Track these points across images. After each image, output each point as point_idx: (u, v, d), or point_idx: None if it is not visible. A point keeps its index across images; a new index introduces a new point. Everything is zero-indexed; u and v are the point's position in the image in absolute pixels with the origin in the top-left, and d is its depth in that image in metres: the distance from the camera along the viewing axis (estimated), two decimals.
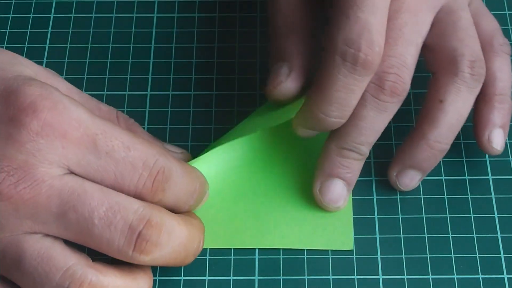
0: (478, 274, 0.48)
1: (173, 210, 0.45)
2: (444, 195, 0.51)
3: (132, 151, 0.43)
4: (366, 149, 0.48)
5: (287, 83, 0.50)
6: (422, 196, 0.51)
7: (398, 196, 0.51)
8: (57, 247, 0.43)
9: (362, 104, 0.47)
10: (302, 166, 0.52)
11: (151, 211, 0.43)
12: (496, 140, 0.50)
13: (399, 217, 0.51)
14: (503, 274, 0.48)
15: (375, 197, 0.51)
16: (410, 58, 0.47)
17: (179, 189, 0.45)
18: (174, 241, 0.44)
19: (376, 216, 0.50)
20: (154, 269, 0.49)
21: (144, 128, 0.53)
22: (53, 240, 0.43)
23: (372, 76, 0.46)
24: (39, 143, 0.42)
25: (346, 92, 0.46)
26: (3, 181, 0.41)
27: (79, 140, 0.42)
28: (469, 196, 0.51)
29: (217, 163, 0.51)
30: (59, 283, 0.42)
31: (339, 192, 0.49)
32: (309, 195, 0.51)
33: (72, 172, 0.43)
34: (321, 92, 0.46)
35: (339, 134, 0.48)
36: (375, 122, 0.47)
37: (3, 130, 0.42)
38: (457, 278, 0.48)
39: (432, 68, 0.50)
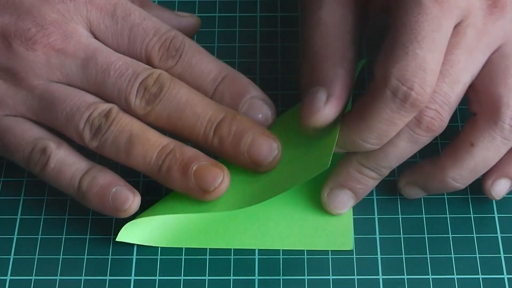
0: (478, 274, 0.48)
1: (192, 86, 0.49)
2: (444, 195, 0.51)
3: (147, 21, 0.50)
4: (386, 172, 0.49)
5: (325, 110, 0.47)
6: (422, 196, 0.51)
7: (398, 196, 0.51)
8: (80, 91, 0.49)
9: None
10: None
11: (159, 71, 0.48)
12: (498, 189, 0.49)
13: (399, 217, 0.51)
14: (503, 274, 0.48)
15: (375, 197, 0.51)
16: (454, 97, 0.46)
17: (191, 64, 0.49)
18: (171, 101, 0.48)
19: (376, 216, 0.50)
20: (154, 269, 0.49)
21: None
22: (76, 88, 0.49)
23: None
24: (68, 5, 0.49)
25: (389, 125, 0.45)
26: (38, 33, 0.48)
27: (101, 6, 0.50)
28: (469, 196, 0.51)
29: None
30: (87, 114, 0.48)
31: (345, 202, 0.50)
32: (309, 195, 0.51)
33: (94, 36, 0.50)
34: (363, 120, 0.45)
35: (365, 153, 0.48)
36: (404, 151, 0.47)
37: None
38: (457, 278, 0.48)
39: (473, 109, 0.48)
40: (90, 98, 0.48)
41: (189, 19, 0.55)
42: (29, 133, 0.49)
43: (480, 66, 0.47)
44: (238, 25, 0.59)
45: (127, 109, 0.48)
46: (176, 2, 0.60)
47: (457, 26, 0.46)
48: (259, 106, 0.49)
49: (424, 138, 0.47)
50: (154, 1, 0.60)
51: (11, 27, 0.49)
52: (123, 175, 0.49)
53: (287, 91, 0.56)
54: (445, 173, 0.48)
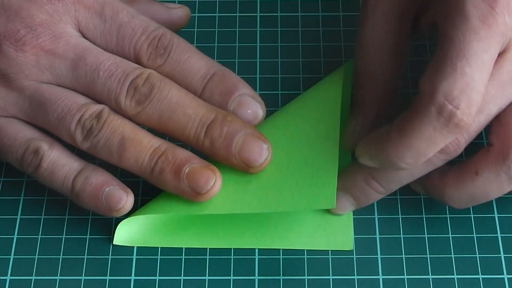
0: (478, 274, 0.48)
1: (181, 85, 0.49)
2: None
3: (135, 19, 0.50)
4: (395, 188, 0.48)
5: (355, 132, 0.50)
6: (422, 196, 0.51)
7: (398, 197, 0.51)
8: (71, 92, 0.49)
9: None
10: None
11: (149, 71, 0.48)
12: None
13: (399, 217, 0.51)
14: (503, 274, 0.48)
15: None
16: (476, 127, 0.46)
17: (179, 62, 0.49)
18: (162, 101, 0.48)
19: (376, 216, 0.50)
20: (154, 269, 0.49)
21: None
22: (66, 89, 0.49)
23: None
24: (56, 6, 0.49)
25: (428, 145, 0.44)
26: (27, 34, 0.48)
27: (89, 5, 0.50)
28: None
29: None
30: (78, 116, 0.48)
31: (346, 206, 0.50)
32: None
33: (82, 36, 0.49)
34: (402, 137, 0.44)
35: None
36: (416, 170, 0.47)
37: None
38: (457, 278, 0.48)
39: (490, 138, 0.47)
40: (81, 99, 0.48)
41: (178, 11, 0.55)
42: (21, 133, 0.49)
43: (510, 100, 0.46)
44: (238, 25, 0.59)
45: (117, 110, 0.48)
46: (176, 2, 0.60)
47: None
48: (249, 103, 0.49)
49: (438, 160, 0.46)
50: None
51: (0, 29, 0.49)
52: (122, 175, 0.49)
53: (287, 91, 0.56)
54: (445, 190, 0.47)
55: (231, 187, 0.48)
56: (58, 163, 0.48)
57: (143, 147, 0.47)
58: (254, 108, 0.49)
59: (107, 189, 0.48)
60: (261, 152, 0.48)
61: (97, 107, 0.48)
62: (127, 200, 0.48)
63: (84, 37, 0.50)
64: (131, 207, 0.48)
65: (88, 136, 0.48)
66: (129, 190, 0.48)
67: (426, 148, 0.44)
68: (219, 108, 0.48)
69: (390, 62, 0.49)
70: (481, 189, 0.46)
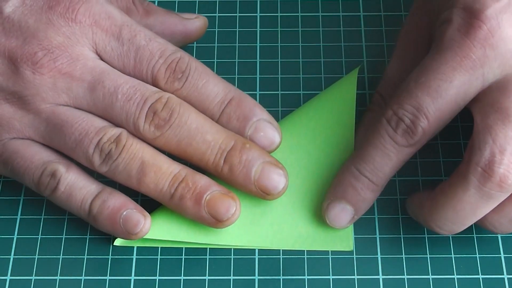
0: (478, 274, 0.48)
1: (198, 109, 0.49)
2: None
3: (153, 42, 0.50)
4: (382, 180, 0.48)
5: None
6: None
7: (398, 197, 0.51)
8: (88, 114, 0.49)
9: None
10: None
11: (168, 95, 0.48)
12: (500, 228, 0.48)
13: (399, 217, 0.51)
14: (503, 274, 0.48)
15: None
16: None
17: (197, 86, 0.49)
18: (182, 127, 0.48)
19: (376, 216, 0.50)
20: (154, 269, 0.49)
21: None
22: (83, 111, 0.49)
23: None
24: (73, 28, 0.49)
25: (467, 210, 0.45)
26: (44, 56, 0.48)
27: (107, 28, 0.50)
28: None
29: None
30: (96, 139, 0.48)
31: (345, 217, 0.49)
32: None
33: (100, 58, 0.49)
34: (443, 206, 0.46)
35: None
36: (398, 162, 0.47)
37: (44, 17, 0.49)
38: (457, 278, 0.48)
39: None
40: (99, 122, 0.48)
41: (195, 21, 0.55)
42: (37, 156, 0.49)
43: None
44: (238, 25, 0.59)
45: (136, 133, 0.48)
46: (176, 2, 0.60)
47: None
48: (266, 129, 0.49)
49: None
50: (154, 1, 0.60)
51: (18, 51, 0.49)
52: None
53: (287, 91, 0.56)
54: (428, 216, 0.48)
55: (248, 221, 0.50)
56: (75, 186, 0.48)
57: (163, 173, 0.48)
58: (271, 134, 0.50)
59: (124, 212, 0.48)
60: (279, 180, 0.48)
61: (115, 131, 0.48)
62: (145, 223, 0.48)
63: (102, 59, 0.50)
64: (149, 231, 0.48)
65: (107, 160, 0.48)
66: (147, 214, 0.48)
67: (465, 216, 0.45)
68: (238, 135, 0.49)
69: None
70: (451, 208, 0.46)
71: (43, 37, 0.49)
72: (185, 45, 0.56)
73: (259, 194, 0.49)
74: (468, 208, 0.45)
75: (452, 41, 0.46)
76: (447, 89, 0.45)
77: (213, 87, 0.49)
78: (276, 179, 0.48)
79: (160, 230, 0.49)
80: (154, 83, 0.49)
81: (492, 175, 0.43)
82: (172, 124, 0.48)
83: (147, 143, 0.48)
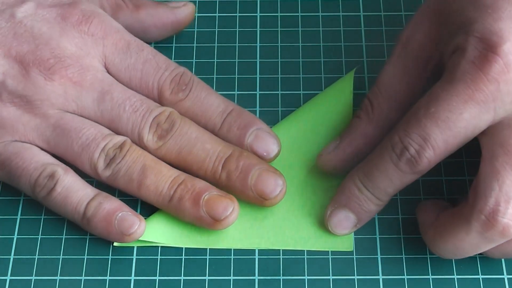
0: (478, 274, 0.48)
1: (200, 124, 0.51)
2: (444, 195, 0.51)
3: (158, 56, 0.52)
4: (383, 197, 0.48)
5: (329, 155, 0.50)
6: (422, 196, 0.51)
7: (398, 197, 0.51)
8: (95, 123, 0.50)
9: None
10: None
11: (170, 110, 0.50)
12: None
13: (399, 217, 0.51)
14: (503, 274, 0.48)
15: None
16: None
17: (200, 98, 0.51)
18: (183, 136, 0.50)
19: (376, 216, 0.50)
20: (154, 269, 0.49)
21: None
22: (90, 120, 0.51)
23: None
24: (86, 40, 0.51)
25: (466, 248, 0.46)
26: (57, 64, 0.50)
27: (117, 42, 0.52)
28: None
29: None
30: (102, 144, 0.49)
31: (347, 224, 0.49)
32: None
33: (107, 71, 0.51)
34: (445, 240, 0.46)
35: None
36: (399, 184, 0.47)
37: (57, 26, 0.51)
38: (457, 278, 0.48)
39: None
40: (105, 130, 0.50)
41: (183, 10, 0.56)
42: (37, 158, 0.50)
43: None
44: (238, 25, 0.59)
45: (139, 143, 0.50)
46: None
47: None
48: (265, 137, 0.51)
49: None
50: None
51: (30, 56, 0.50)
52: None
53: (287, 91, 0.56)
54: (431, 241, 0.48)
55: (248, 222, 0.50)
56: (72, 188, 0.49)
57: (163, 176, 0.49)
58: (271, 142, 0.51)
59: (120, 214, 0.48)
60: (276, 185, 0.49)
61: (120, 138, 0.50)
62: (140, 226, 0.48)
63: (108, 72, 0.52)
64: (143, 234, 0.48)
65: (110, 164, 0.49)
66: (142, 218, 0.49)
67: (468, 251, 0.46)
68: (236, 146, 0.50)
69: (394, 111, 0.50)
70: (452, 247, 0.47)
71: (56, 45, 0.50)
72: (176, 33, 0.57)
73: (257, 200, 0.49)
74: (468, 247, 0.45)
75: (465, 73, 0.44)
76: (456, 121, 0.44)
77: (215, 99, 0.52)
78: (273, 183, 0.49)
79: (156, 234, 0.49)
80: (160, 94, 0.51)
81: (495, 224, 0.43)
82: (173, 134, 0.50)
83: (149, 153, 0.50)
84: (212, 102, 0.51)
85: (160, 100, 0.52)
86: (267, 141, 0.51)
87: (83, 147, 0.49)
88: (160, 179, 0.49)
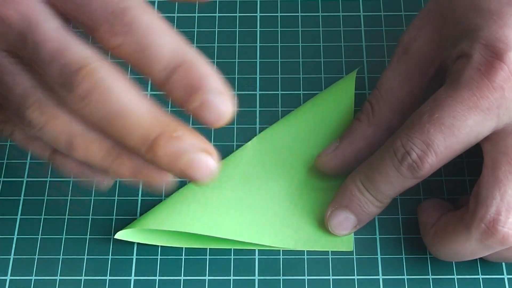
0: (478, 274, 0.48)
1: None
2: (444, 195, 0.51)
3: None
4: (383, 199, 0.48)
5: (328, 156, 0.50)
6: (422, 196, 0.51)
7: (398, 197, 0.51)
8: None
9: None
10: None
11: (94, 64, 0.39)
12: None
13: (399, 217, 0.51)
14: (503, 274, 0.48)
15: None
16: None
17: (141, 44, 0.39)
18: (101, 105, 0.39)
19: (376, 216, 0.50)
20: (154, 269, 0.49)
21: None
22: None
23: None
24: None
25: (465, 253, 0.46)
26: None
27: None
28: (469, 196, 0.51)
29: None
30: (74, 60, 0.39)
31: (347, 224, 0.49)
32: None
33: None
34: (444, 244, 0.46)
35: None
36: (399, 187, 0.48)
37: None
38: (457, 278, 0.48)
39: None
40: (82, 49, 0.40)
41: None
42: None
43: None
44: (238, 25, 0.59)
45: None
46: (176, 2, 0.60)
47: None
48: (213, 105, 0.40)
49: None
50: (154, 2, 0.60)
51: None
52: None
53: (287, 91, 0.56)
54: (431, 243, 0.48)
55: (248, 222, 0.50)
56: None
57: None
58: (218, 110, 0.40)
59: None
60: (207, 171, 0.40)
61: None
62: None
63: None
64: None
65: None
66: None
67: (466, 255, 0.46)
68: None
69: (394, 115, 0.50)
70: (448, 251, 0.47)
71: None
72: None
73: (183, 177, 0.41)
74: (467, 252, 0.46)
75: (471, 80, 0.44)
76: (461, 128, 0.44)
77: (162, 46, 0.40)
78: (204, 170, 0.40)
79: (162, 220, 0.49)
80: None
81: (495, 233, 0.43)
82: (90, 101, 0.39)
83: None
84: (156, 52, 0.39)
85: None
86: (216, 107, 0.40)
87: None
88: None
